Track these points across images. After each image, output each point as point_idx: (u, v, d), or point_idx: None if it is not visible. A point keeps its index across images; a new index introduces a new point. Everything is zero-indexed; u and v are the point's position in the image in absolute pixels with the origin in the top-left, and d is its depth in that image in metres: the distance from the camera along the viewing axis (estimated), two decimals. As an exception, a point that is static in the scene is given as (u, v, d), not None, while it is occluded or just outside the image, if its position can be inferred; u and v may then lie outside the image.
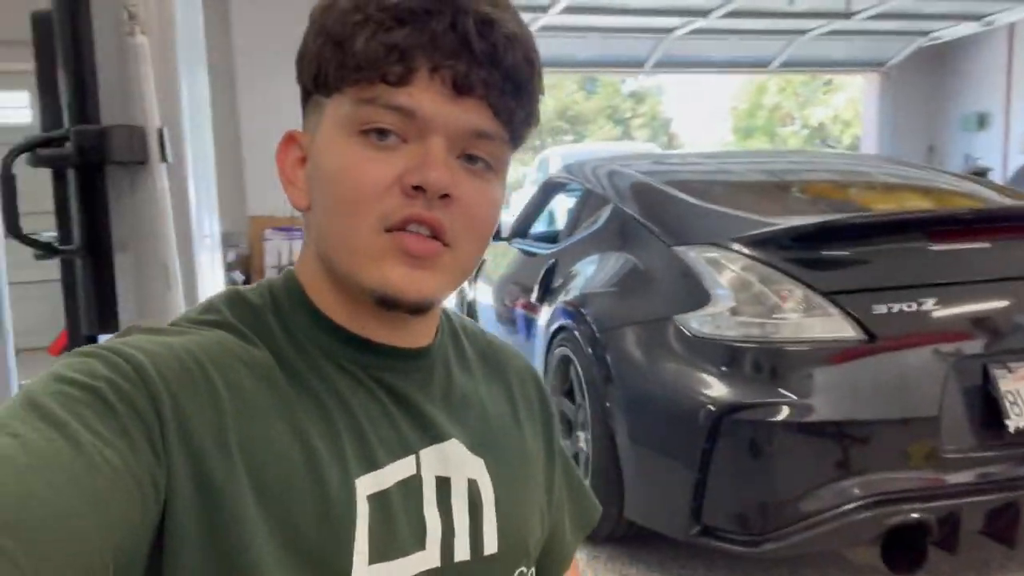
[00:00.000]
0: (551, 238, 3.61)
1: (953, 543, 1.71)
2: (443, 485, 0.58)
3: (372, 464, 0.54)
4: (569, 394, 2.50)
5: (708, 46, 6.55)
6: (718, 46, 6.57)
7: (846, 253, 1.93)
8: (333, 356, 0.56)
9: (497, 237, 3.90)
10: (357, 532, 0.51)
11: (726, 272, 1.93)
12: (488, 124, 0.54)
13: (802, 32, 6.37)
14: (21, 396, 0.44)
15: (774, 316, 1.82)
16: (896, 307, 1.76)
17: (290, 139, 0.59)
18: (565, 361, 2.47)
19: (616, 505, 2.12)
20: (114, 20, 1.72)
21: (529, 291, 3.08)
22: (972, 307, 1.82)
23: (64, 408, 0.43)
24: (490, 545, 0.60)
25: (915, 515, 1.68)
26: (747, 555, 1.78)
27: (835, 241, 1.94)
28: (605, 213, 2.64)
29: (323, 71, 0.53)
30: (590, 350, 2.21)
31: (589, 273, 2.50)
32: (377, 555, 0.52)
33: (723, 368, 1.84)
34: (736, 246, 1.98)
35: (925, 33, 6.65)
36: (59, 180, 1.80)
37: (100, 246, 1.76)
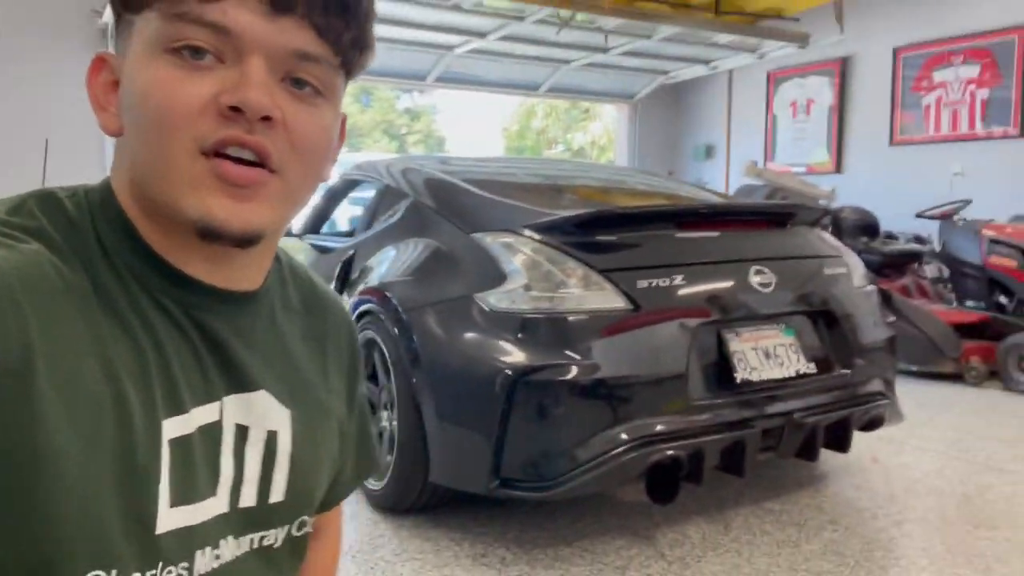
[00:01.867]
0: (345, 233, 3.69)
1: (699, 476, 2.09)
2: (241, 433, 0.58)
3: (178, 408, 0.53)
4: (371, 378, 2.61)
5: (485, 67, 6.98)
6: (494, 68, 7.03)
7: (615, 238, 2.27)
8: (151, 290, 0.54)
9: (288, 234, 3.91)
10: (162, 474, 0.51)
11: (519, 254, 2.19)
12: (312, 45, 0.52)
13: (567, 62, 7.04)
14: None
15: (560, 291, 2.10)
16: (654, 282, 2.12)
17: (100, 61, 0.56)
18: (369, 345, 2.57)
19: (421, 475, 2.27)
20: None
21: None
22: (709, 283, 2.24)
23: None
24: (276, 493, 0.61)
25: (670, 452, 2.04)
26: (540, 499, 2.03)
27: (606, 228, 2.27)
28: (403, 206, 2.80)
29: None
30: (396, 330, 2.35)
31: (390, 261, 2.64)
32: (178, 498, 0.53)
33: (518, 337, 2.08)
34: (526, 232, 2.25)
35: (665, 72, 7.66)
36: None
37: None
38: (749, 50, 6.73)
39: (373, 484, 2.51)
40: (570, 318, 2.07)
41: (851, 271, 2.53)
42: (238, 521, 0.58)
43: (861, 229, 5.03)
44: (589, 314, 2.07)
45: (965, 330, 4.45)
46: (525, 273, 2.13)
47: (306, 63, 0.52)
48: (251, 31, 0.50)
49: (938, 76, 6.24)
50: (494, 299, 2.14)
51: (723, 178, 8.02)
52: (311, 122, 0.53)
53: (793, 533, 2.34)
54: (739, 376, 2.16)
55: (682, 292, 2.16)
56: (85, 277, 0.50)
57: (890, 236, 5.51)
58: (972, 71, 6.02)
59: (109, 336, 0.50)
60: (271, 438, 0.60)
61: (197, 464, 0.54)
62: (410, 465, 2.30)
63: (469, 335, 2.16)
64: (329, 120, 0.55)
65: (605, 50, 6.58)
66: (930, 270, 5.38)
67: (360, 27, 0.54)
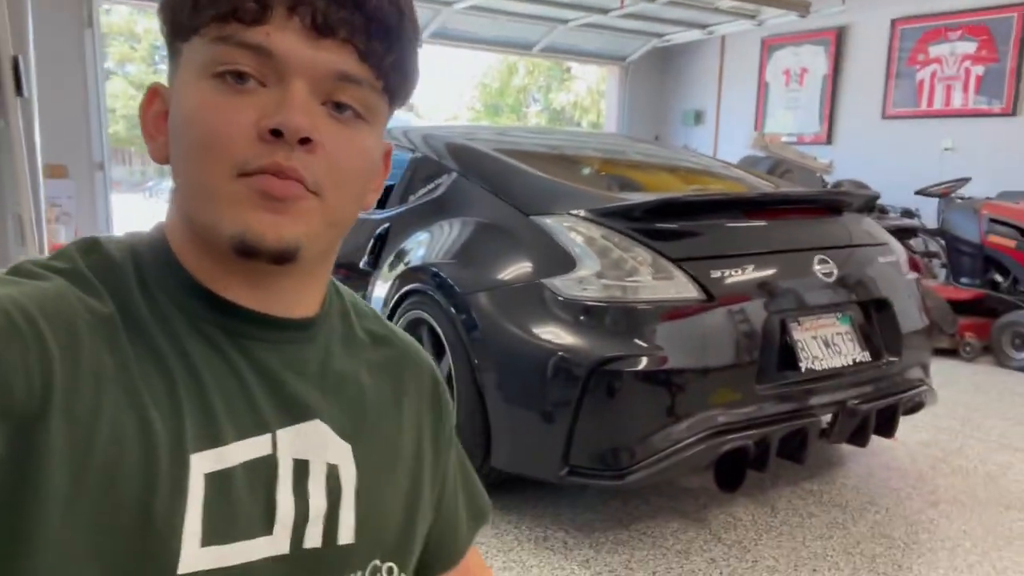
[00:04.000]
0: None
1: (765, 464, 2.12)
2: (301, 467, 0.55)
3: (214, 440, 0.51)
4: (414, 357, 2.56)
5: (480, 23, 6.79)
6: (489, 25, 6.84)
7: (677, 226, 2.25)
8: (193, 319, 0.53)
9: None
10: (188, 512, 0.48)
11: (587, 240, 2.15)
12: (353, 67, 0.51)
13: (564, 21, 6.89)
14: None
15: (632, 279, 2.07)
16: (727, 272, 2.11)
17: (154, 92, 0.56)
18: (414, 324, 2.52)
19: (480, 456, 2.25)
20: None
21: (342, 255, 3.06)
22: (777, 272, 2.24)
23: None
24: (345, 535, 0.57)
25: (739, 443, 2.06)
26: (611, 488, 2.03)
27: (671, 215, 2.24)
28: (445, 181, 2.72)
29: (178, 14, 0.51)
30: (453, 310, 2.30)
31: (437, 238, 2.57)
32: (212, 536, 0.49)
33: (590, 326, 2.06)
34: (591, 216, 2.21)
35: (660, 35, 7.57)
36: None
37: (-73, 192, 1.46)
38: (748, 16, 6.68)
39: (423, 465, 2.48)
40: (643, 307, 2.05)
41: (899, 259, 2.56)
42: (303, 565, 0.54)
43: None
44: (662, 304, 2.06)
45: (960, 307, 4.58)
46: (597, 260, 2.09)
47: (347, 85, 0.52)
48: (293, 54, 0.50)
49: (934, 51, 6.29)
50: (563, 285, 2.11)
51: (711, 145, 8.03)
52: (351, 145, 0.53)
53: (838, 515, 2.40)
54: (803, 365, 2.18)
55: (753, 281, 2.15)
56: (114, 309, 0.50)
57: (882, 211, 5.60)
58: (968, 47, 6.07)
59: (137, 367, 0.49)
60: (332, 472, 0.57)
61: (242, 501, 0.51)
62: (469, 448, 2.27)
63: (538, 321, 2.13)
64: (370, 144, 0.55)
65: (606, 11, 6.45)
66: (916, 244, 5.50)
67: (402, 50, 0.54)
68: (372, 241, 2.89)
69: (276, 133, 0.49)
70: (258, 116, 0.49)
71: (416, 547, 0.65)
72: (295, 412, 0.55)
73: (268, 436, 0.53)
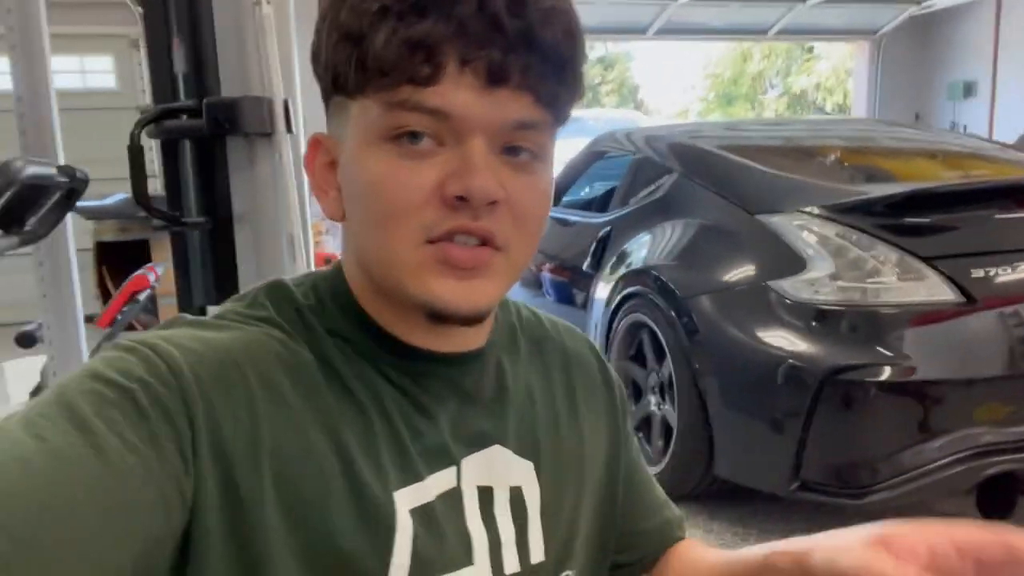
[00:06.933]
0: (587, 206, 3.64)
1: (1042, 492, 1.82)
2: (485, 495, 0.56)
3: (413, 476, 0.52)
4: (634, 359, 2.56)
5: (710, 13, 6.58)
6: (720, 13, 6.61)
7: (930, 220, 2.01)
8: (376, 361, 0.54)
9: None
10: (396, 546, 0.50)
11: (820, 238, 2.00)
12: (530, 113, 0.49)
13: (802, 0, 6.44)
14: (55, 392, 0.43)
15: (873, 280, 1.89)
16: (993, 271, 1.85)
17: (316, 143, 0.55)
18: (635, 327, 2.52)
19: (703, 464, 2.20)
20: (233, -11, 1.69)
21: (567, 258, 3.13)
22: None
23: (95, 411, 0.42)
24: (536, 553, 0.58)
25: (1008, 465, 1.79)
26: (849, 507, 1.87)
27: (921, 208, 2.01)
28: (667, 182, 2.68)
29: (342, 73, 0.49)
30: (673, 314, 2.26)
31: (658, 241, 2.54)
32: (420, 570, 0.50)
33: (823, 331, 1.91)
34: (824, 213, 2.05)
35: (918, 2, 6.76)
36: (170, 152, 1.78)
37: (221, 218, 1.75)
38: (1031, -32, 5.73)
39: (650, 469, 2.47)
40: (887, 311, 1.86)
41: None
42: None
43: None
44: (911, 307, 1.85)
45: None
46: (831, 260, 1.94)
47: (525, 131, 0.50)
48: (470, 111, 0.47)
49: None
50: (792, 288, 1.98)
51: (986, 120, 7.00)
52: (533, 193, 0.51)
53: None
54: (1095, 380, 1.84)
55: (1025, 281, 1.86)
56: (311, 355, 0.52)
57: None
58: None
59: (336, 410, 0.51)
60: (516, 495, 0.58)
61: (444, 533, 0.53)
62: (691, 454, 2.23)
63: (765, 325, 2.02)
64: (547, 184, 0.53)
65: (850, -17, 5.92)
66: None
67: (576, 82, 0.51)
68: (594, 244, 2.93)
69: (462, 198, 0.48)
70: (440, 179, 0.48)
71: (607, 551, 0.66)
72: (476, 441, 0.57)
73: (453, 468, 0.55)
